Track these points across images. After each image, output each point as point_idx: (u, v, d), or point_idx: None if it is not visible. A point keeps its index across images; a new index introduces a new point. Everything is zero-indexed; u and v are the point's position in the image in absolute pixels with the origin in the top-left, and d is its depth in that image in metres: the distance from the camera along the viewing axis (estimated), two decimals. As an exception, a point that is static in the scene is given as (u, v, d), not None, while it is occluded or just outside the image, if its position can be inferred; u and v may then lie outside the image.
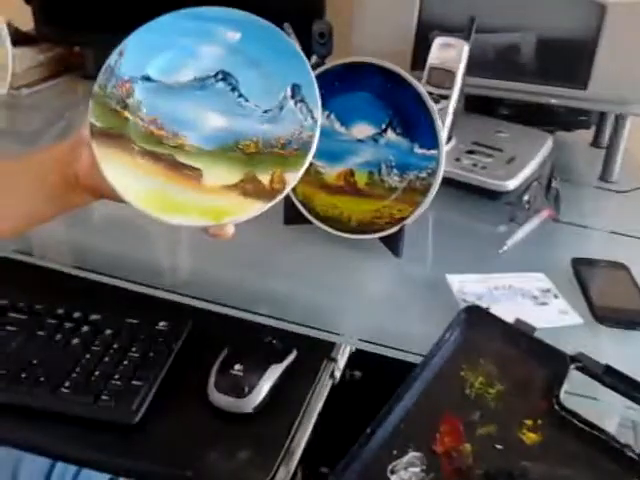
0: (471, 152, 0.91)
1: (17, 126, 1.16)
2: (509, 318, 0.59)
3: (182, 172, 0.54)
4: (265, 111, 0.54)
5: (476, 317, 0.58)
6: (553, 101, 0.93)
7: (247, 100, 0.54)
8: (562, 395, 0.52)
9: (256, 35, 0.54)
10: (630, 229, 0.82)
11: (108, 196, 0.55)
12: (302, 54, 0.53)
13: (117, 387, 0.60)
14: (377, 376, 0.70)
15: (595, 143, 1.12)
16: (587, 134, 1.11)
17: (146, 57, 0.55)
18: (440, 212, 0.85)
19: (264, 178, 0.52)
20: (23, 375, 0.61)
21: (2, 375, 0.61)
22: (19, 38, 1.21)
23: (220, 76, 0.55)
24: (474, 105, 1.04)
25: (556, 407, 0.52)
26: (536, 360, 0.55)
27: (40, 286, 0.74)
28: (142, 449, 0.58)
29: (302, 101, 0.53)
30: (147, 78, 0.55)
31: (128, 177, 0.53)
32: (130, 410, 0.58)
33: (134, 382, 0.60)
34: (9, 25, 1.17)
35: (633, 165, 1.02)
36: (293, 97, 0.53)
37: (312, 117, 0.52)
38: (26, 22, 1.21)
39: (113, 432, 0.57)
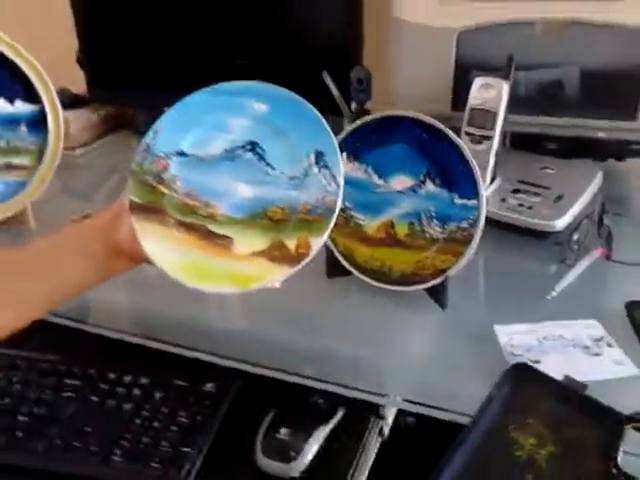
0: (517, 191, 0.89)
1: (72, 184, 1.20)
2: (559, 373, 0.57)
3: (214, 241, 0.56)
4: (291, 178, 0.56)
5: (524, 375, 0.56)
6: (601, 134, 0.90)
7: (274, 168, 0.56)
8: (620, 457, 0.50)
9: (282, 106, 0.56)
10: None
11: (148, 262, 0.57)
12: (324, 121, 0.55)
13: (166, 453, 0.61)
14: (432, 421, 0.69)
15: (651, 171, 1.08)
16: (640, 162, 1.07)
17: (179, 134, 0.58)
18: (488, 255, 0.83)
19: (290, 243, 0.54)
20: (76, 444, 0.63)
21: (57, 445, 0.63)
22: (73, 100, 1.27)
23: (249, 147, 0.57)
24: (520, 142, 1.03)
25: (613, 470, 0.49)
26: (589, 419, 0.53)
27: (90, 351, 0.76)
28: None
29: (325, 167, 0.55)
30: (181, 153, 0.58)
31: (164, 248, 0.56)
32: (179, 477, 0.59)
33: (183, 448, 0.61)
34: (63, 91, 1.23)
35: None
36: (317, 163, 0.55)
37: (335, 182, 0.54)
38: (81, 84, 1.28)
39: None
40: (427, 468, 0.54)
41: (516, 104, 0.89)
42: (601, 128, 0.90)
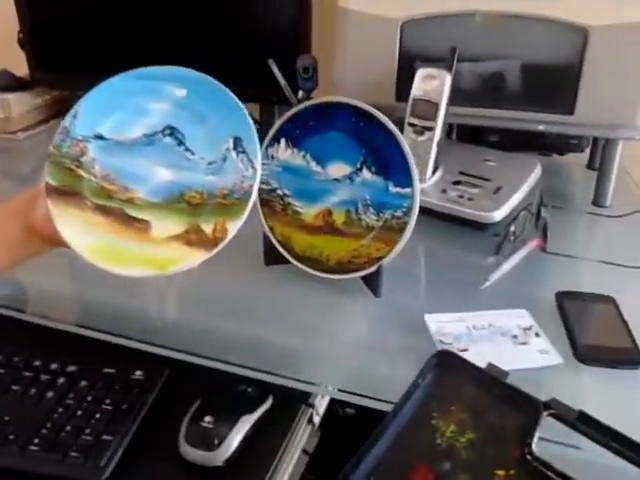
0: (458, 183, 0.89)
1: (14, 168, 1.17)
2: (485, 360, 0.57)
3: (131, 225, 0.57)
4: (210, 163, 0.56)
5: (448, 362, 0.56)
6: (540, 127, 0.91)
7: (193, 153, 0.57)
8: (534, 444, 0.50)
9: (201, 91, 0.57)
10: (621, 257, 0.80)
11: (64, 245, 0.57)
12: (243, 107, 0.56)
13: (87, 442, 0.59)
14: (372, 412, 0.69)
15: (590, 165, 1.10)
16: (584, 156, 1.09)
17: (98, 117, 0.58)
18: (427, 246, 0.84)
19: (207, 228, 0.55)
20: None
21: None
22: (15, 84, 1.23)
23: (167, 131, 0.57)
24: (463, 134, 1.03)
25: (528, 457, 0.50)
26: (509, 407, 0.53)
27: (18, 338, 0.74)
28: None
29: (243, 152, 0.55)
30: (100, 137, 0.58)
31: (81, 232, 0.55)
32: (99, 466, 0.57)
33: (104, 437, 0.59)
34: (4, 72, 1.19)
35: (628, 188, 0.99)
36: (235, 149, 0.56)
37: (252, 167, 0.55)
38: (23, 68, 1.24)
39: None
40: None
41: (459, 96, 0.89)
42: (540, 121, 0.91)
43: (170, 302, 0.78)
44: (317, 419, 0.66)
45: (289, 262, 0.76)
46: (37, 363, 0.68)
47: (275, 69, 0.99)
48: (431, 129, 0.88)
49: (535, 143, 1.02)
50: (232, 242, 0.55)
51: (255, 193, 0.54)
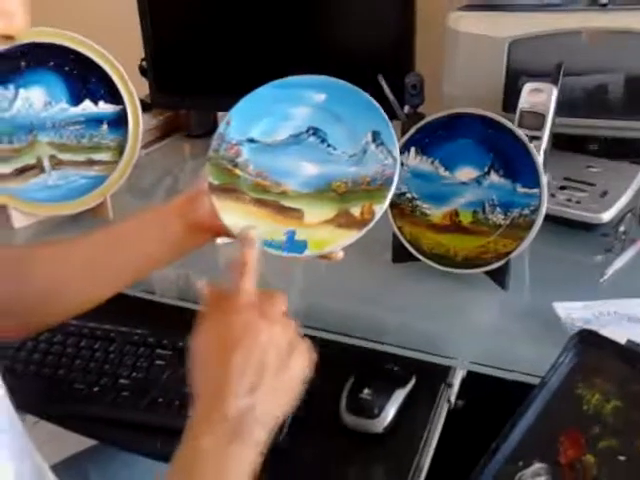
0: (564, 188, 0.95)
1: (133, 184, 1.28)
2: (619, 340, 0.63)
3: (287, 213, 0.64)
4: (351, 156, 0.63)
5: (588, 340, 0.62)
6: (640, 135, 0.97)
7: (335, 149, 0.64)
8: (679, 410, 0.56)
9: (338, 94, 0.63)
10: None
11: (228, 235, 0.64)
12: (377, 104, 0.62)
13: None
14: (482, 405, 0.75)
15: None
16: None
17: (249, 123, 0.65)
18: (539, 245, 0.89)
19: (355, 211, 0.61)
20: (176, 402, 0.70)
21: (161, 402, 0.70)
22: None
23: (311, 131, 0.64)
24: (563, 143, 1.09)
25: (675, 421, 0.55)
26: (652, 378, 0.59)
27: (167, 321, 0.83)
28: (284, 468, 0.64)
29: (382, 144, 0.62)
30: (251, 140, 0.65)
31: (243, 221, 0.62)
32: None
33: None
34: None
35: None
36: (374, 141, 0.62)
37: (392, 156, 0.61)
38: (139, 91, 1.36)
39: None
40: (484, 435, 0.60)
41: (562, 107, 0.95)
42: (641, 129, 0.96)
43: (313, 291, 0.85)
44: (453, 398, 0.72)
45: (416, 259, 0.83)
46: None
47: (385, 85, 1.07)
48: (538, 138, 0.94)
49: (633, 151, 1.07)
50: (362, 244, 0.61)
51: (396, 178, 0.60)
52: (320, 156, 0.64)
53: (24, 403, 0.56)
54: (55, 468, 0.60)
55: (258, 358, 0.51)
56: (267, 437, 0.50)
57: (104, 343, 0.79)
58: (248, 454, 0.49)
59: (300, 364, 0.53)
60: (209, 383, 0.51)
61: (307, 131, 0.65)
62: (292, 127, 0.65)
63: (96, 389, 0.73)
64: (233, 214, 0.63)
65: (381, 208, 0.60)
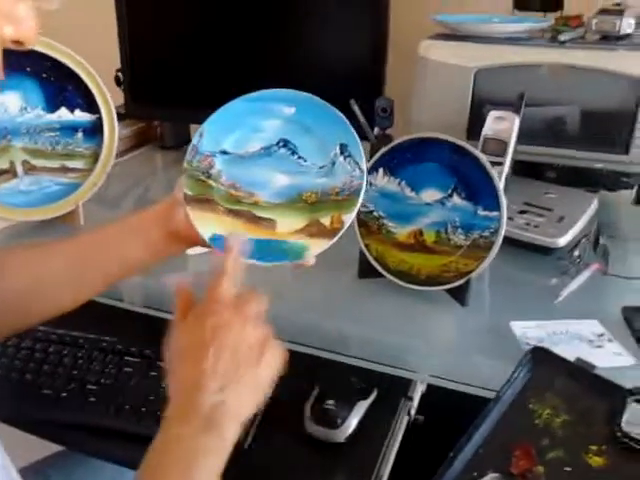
0: (523, 212, 1.00)
1: (102, 193, 1.28)
2: (569, 358, 0.67)
3: (260, 223, 0.66)
4: (320, 167, 0.66)
5: (541, 357, 0.66)
6: (598, 165, 1.02)
7: (305, 160, 0.67)
8: (623, 423, 0.60)
9: (307, 107, 0.66)
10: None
11: (202, 244, 0.66)
12: (345, 118, 0.65)
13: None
14: (440, 417, 0.78)
15: (638, 201, 1.20)
16: (629, 193, 1.19)
17: (221, 135, 0.67)
18: (498, 266, 0.93)
19: (325, 221, 0.64)
20: (143, 409, 0.71)
21: (128, 409, 0.71)
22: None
23: (282, 143, 0.67)
24: (523, 170, 1.14)
25: (618, 434, 0.59)
26: (597, 394, 0.63)
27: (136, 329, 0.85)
28: (247, 471, 0.66)
29: (350, 156, 0.65)
30: (224, 152, 0.68)
31: (217, 231, 0.65)
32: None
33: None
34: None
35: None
36: (342, 154, 0.65)
37: (359, 168, 0.64)
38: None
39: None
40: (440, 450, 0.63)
41: (523, 136, 1.00)
42: (598, 160, 1.02)
43: (280, 302, 0.87)
44: (413, 412, 0.75)
45: (382, 276, 0.86)
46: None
47: (356, 109, 1.11)
48: (500, 164, 0.98)
49: (588, 180, 1.13)
50: (329, 259, 0.64)
51: (363, 190, 0.63)
52: (291, 167, 0.67)
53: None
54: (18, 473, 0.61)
55: (229, 356, 0.54)
56: (237, 431, 0.53)
57: (73, 349, 0.80)
58: (218, 445, 0.52)
59: (271, 363, 0.56)
60: (183, 381, 0.54)
61: (278, 143, 0.67)
62: (263, 139, 0.67)
63: (64, 394, 0.74)
64: (208, 224, 0.65)
65: (350, 217, 0.63)
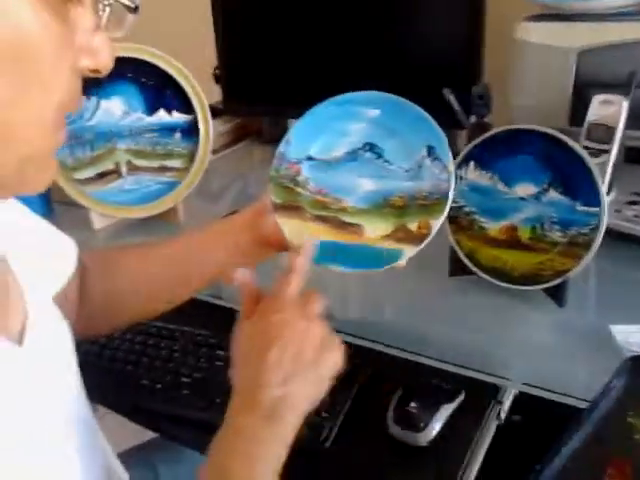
0: (632, 203, 0.93)
1: (203, 188, 1.33)
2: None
3: (347, 229, 0.65)
4: (407, 171, 0.64)
5: (641, 366, 0.61)
6: None
7: (391, 164, 0.65)
8: None
9: (392, 109, 0.64)
10: None
11: (289, 250, 0.66)
12: (431, 119, 0.63)
13: (310, 419, 0.69)
14: (536, 421, 0.74)
15: None
16: None
17: (307, 142, 0.67)
18: (601, 262, 0.87)
19: (412, 226, 0.63)
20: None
21: (218, 402, 0.73)
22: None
23: (367, 147, 0.66)
24: (633, 156, 1.06)
25: None
26: None
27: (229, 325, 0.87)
28: (327, 472, 0.67)
29: (437, 159, 0.62)
30: (310, 158, 0.67)
31: (305, 237, 0.64)
32: (319, 439, 0.67)
33: (323, 414, 0.70)
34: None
35: None
36: (429, 156, 0.63)
37: (447, 171, 0.62)
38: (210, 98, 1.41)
39: (305, 457, 0.67)
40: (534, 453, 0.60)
41: (633, 119, 0.93)
42: None
43: (368, 302, 0.87)
44: (503, 415, 0.72)
45: (472, 273, 0.83)
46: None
47: (451, 98, 1.07)
48: (607, 152, 0.92)
49: None
50: (418, 257, 0.62)
51: (452, 193, 0.61)
52: (377, 171, 0.65)
53: (96, 395, 0.62)
54: (121, 455, 0.66)
55: (293, 353, 0.55)
56: (297, 423, 0.55)
57: (169, 342, 0.84)
58: (279, 435, 0.53)
59: (332, 360, 0.57)
60: (248, 375, 0.56)
61: (363, 147, 0.66)
62: (348, 143, 0.66)
63: (159, 386, 0.78)
64: (296, 231, 0.65)
65: (438, 223, 0.61)
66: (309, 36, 1.27)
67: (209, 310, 0.90)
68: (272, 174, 0.67)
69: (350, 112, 0.66)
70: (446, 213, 0.61)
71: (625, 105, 0.90)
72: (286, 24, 1.28)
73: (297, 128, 0.67)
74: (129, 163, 1.07)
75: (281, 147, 0.67)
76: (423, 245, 0.61)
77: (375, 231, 0.64)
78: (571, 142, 0.74)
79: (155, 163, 1.08)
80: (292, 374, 0.54)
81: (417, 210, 0.63)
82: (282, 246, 0.68)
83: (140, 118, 1.06)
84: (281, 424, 0.53)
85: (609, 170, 0.92)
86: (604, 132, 0.92)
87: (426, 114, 0.63)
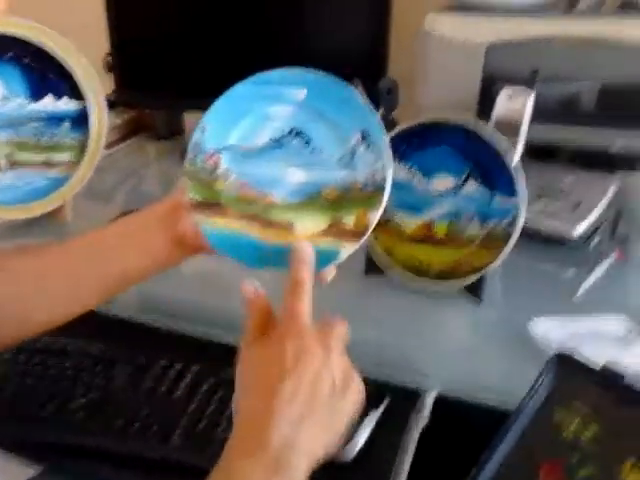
0: (537, 198, 0.93)
1: (94, 185, 1.23)
2: (598, 361, 0.61)
3: (276, 227, 0.58)
4: (339, 159, 0.57)
5: (566, 363, 0.60)
6: (617, 144, 0.95)
7: (321, 151, 0.58)
8: (660, 438, 0.54)
9: (320, 89, 0.57)
10: None
11: (209, 253, 0.59)
12: (366, 101, 0.57)
13: (223, 436, 0.63)
14: (460, 424, 0.72)
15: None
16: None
17: (226, 128, 0.59)
18: (509, 259, 0.87)
19: (349, 220, 0.57)
20: (135, 424, 0.66)
21: (117, 426, 0.65)
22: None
23: (294, 133, 0.58)
24: (536, 152, 1.08)
25: (655, 449, 0.53)
26: (629, 404, 0.57)
27: (138, 339, 0.79)
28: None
29: (372, 145, 0.56)
30: (230, 147, 0.59)
31: (229, 238, 0.58)
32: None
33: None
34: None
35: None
36: (363, 142, 0.57)
37: (383, 159, 0.56)
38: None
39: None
40: (466, 455, 0.57)
41: (537, 115, 0.93)
42: (616, 138, 0.95)
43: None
44: (424, 422, 0.69)
45: (389, 272, 0.80)
46: (163, 362, 0.73)
47: (360, 89, 1.04)
48: (513, 146, 0.92)
49: (605, 161, 1.06)
50: None
51: (389, 183, 0.55)
52: (306, 160, 0.58)
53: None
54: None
55: (309, 388, 0.47)
56: (308, 472, 0.46)
57: (58, 359, 0.74)
58: None
59: (352, 400, 0.50)
60: (254, 409, 0.48)
61: (290, 133, 0.59)
62: (273, 129, 0.59)
63: (45, 411, 0.68)
64: (217, 231, 0.58)
65: (376, 216, 0.56)
66: (210, 25, 1.19)
67: (102, 320, 0.81)
68: (187, 168, 0.59)
69: (273, 93, 0.58)
70: (384, 205, 0.56)
71: (530, 99, 0.90)
72: (186, 9, 1.20)
73: (213, 113, 0.59)
74: (9, 156, 0.96)
75: (195, 136, 0.59)
76: (362, 241, 0.56)
77: (307, 228, 0.58)
78: (488, 133, 0.72)
79: (39, 157, 0.97)
80: (307, 413, 0.47)
81: (352, 203, 0.57)
82: (201, 248, 0.60)
83: (22, 105, 0.95)
84: (290, 475, 0.45)
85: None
86: (510, 126, 0.92)
87: (358, 94, 0.57)
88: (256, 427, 0.46)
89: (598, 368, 0.60)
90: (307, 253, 0.55)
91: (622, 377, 0.59)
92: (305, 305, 0.51)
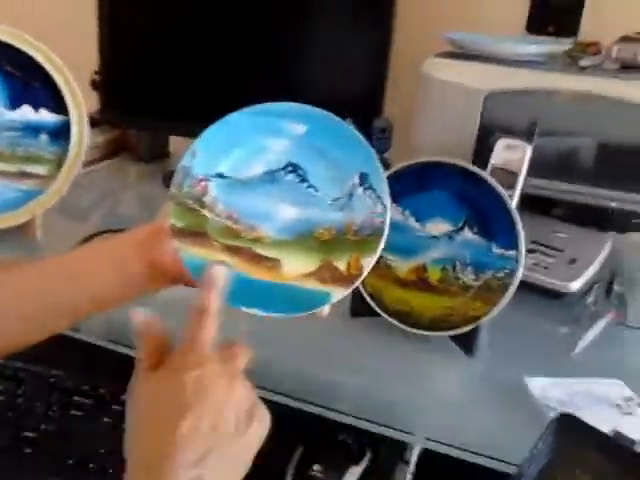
0: (531, 251, 0.91)
1: (69, 203, 1.18)
2: (602, 428, 0.57)
3: (261, 263, 0.55)
4: (335, 199, 0.55)
5: (571, 426, 0.56)
6: (613, 204, 0.94)
7: (317, 190, 0.55)
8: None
9: (321, 126, 0.55)
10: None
11: (188, 284, 0.55)
12: (367, 143, 0.55)
13: None
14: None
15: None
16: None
17: (218, 155, 0.56)
18: (504, 311, 0.84)
19: (341, 264, 0.54)
20: (91, 465, 0.59)
21: (70, 465, 0.59)
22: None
23: (289, 168, 0.56)
24: (529, 204, 1.06)
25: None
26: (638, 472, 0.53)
27: (102, 368, 0.73)
28: None
29: (370, 188, 0.54)
30: (220, 175, 0.56)
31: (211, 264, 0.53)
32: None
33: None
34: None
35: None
36: (361, 185, 0.54)
37: (382, 204, 0.53)
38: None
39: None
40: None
41: (534, 167, 0.92)
42: (612, 198, 0.93)
43: (259, 345, 0.77)
44: (409, 477, 0.65)
45: (377, 315, 0.76)
46: (124, 397, 0.67)
47: (353, 127, 1.01)
48: (510, 197, 0.90)
49: (598, 219, 1.04)
50: None
51: (387, 230, 0.53)
52: (299, 197, 0.55)
53: None
54: None
55: (211, 422, 0.44)
56: None
57: (10, 385, 0.68)
58: None
59: (258, 432, 0.46)
60: (151, 449, 0.43)
61: (285, 167, 0.56)
62: (267, 162, 0.56)
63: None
64: (198, 259, 0.54)
65: (370, 262, 0.53)
66: (201, 50, 1.16)
67: (64, 345, 0.75)
68: (173, 191, 0.55)
69: (271, 125, 0.56)
70: (379, 252, 0.53)
71: (528, 151, 0.88)
72: (177, 33, 1.17)
73: (205, 139, 0.56)
74: (-21, 165, 0.90)
75: (185, 160, 0.56)
76: (353, 287, 0.53)
77: (295, 268, 0.54)
78: (491, 180, 0.70)
79: (13, 167, 0.91)
80: (210, 450, 0.43)
81: (346, 246, 0.54)
82: (179, 279, 0.56)
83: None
84: None
85: (511, 216, 0.90)
86: (506, 177, 0.90)
87: (360, 136, 0.55)
88: (154, 469, 0.43)
89: (608, 433, 0.56)
90: (218, 277, 0.51)
91: (634, 442, 0.56)
92: (207, 333, 0.48)
